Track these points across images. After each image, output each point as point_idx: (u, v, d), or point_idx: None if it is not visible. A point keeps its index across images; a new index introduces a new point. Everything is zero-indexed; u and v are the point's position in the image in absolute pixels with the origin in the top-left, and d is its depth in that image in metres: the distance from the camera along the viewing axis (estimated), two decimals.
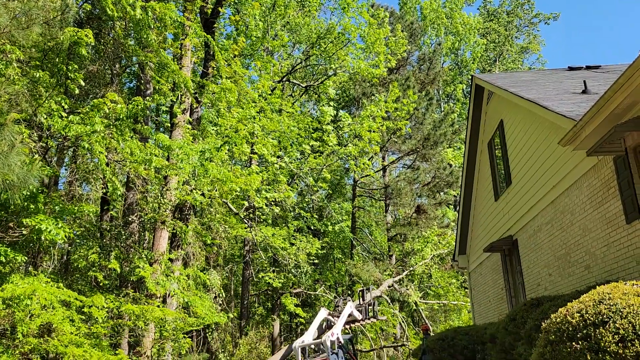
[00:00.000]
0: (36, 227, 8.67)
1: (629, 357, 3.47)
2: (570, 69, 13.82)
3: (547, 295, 7.58)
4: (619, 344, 3.55)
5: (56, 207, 10.27)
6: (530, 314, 6.83)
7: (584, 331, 3.77)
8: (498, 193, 13.08)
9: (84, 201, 16.66)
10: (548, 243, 9.91)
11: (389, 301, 25.20)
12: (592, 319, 3.80)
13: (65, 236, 9.46)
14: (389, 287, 25.00)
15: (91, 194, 18.55)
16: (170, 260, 15.62)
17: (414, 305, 25.13)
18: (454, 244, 18.30)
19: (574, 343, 3.77)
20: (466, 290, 29.23)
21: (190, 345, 17.79)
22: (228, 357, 22.84)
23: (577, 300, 4.22)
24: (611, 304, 3.82)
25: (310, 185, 26.87)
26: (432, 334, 18.49)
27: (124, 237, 13.60)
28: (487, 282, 14.79)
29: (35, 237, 9.45)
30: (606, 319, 3.73)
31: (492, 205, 13.75)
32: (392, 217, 31.27)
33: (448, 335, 9.71)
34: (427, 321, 25.60)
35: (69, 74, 11.33)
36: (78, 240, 14.73)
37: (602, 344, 3.60)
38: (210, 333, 24.68)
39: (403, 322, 24.71)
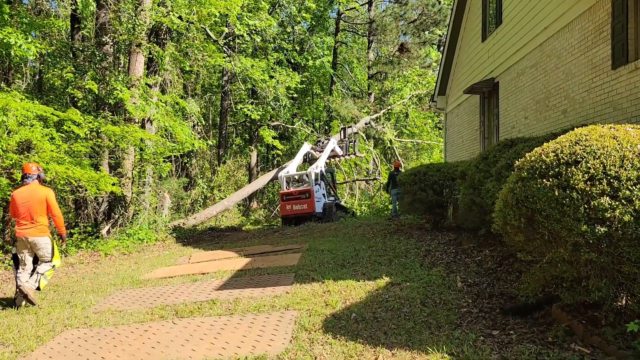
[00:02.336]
0: (4, 40, 8.21)
1: (594, 194, 3.66)
2: None
3: (521, 137, 7.78)
4: (587, 182, 3.73)
5: (24, 20, 9.65)
6: (503, 153, 7.06)
7: (556, 169, 3.92)
8: (486, 33, 12.71)
9: (51, 17, 15.69)
10: (529, 87, 9.92)
11: (365, 138, 25.77)
12: (565, 158, 3.92)
13: (37, 52, 9.04)
14: (365, 124, 25.39)
15: (60, 10, 17.42)
16: (148, 85, 15.31)
17: (389, 142, 25.78)
18: (435, 84, 18.23)
19: (544, 180, 3.94)
20: (440, 130, 29.93)
21: (171, 170, 18.32)
22: (207, 183, 23.71)
23: (553, 140, 4.33)
24: (587, 144, 3.93)
25: (293, 15, 25.65)
26: (402, 170, 19.27)
27: (98, 58, 13.07)
28: (463, 123, 15.07)
29: (4, 53, 9.01)
30: (579, 159, 3.87)
31: (478, 46, 13.44)
32: (374, 54, 30.59)
33: (420, 171, 10.10)
34: (399, 158, 26.54)
35: None
36: (50, 60, 14.15)
37: (572, 182, 3.77)
38: (189, 160, 25.29)
39: (376, 158, 25.56)
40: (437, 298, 5.48)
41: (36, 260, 7.23)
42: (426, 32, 27.00)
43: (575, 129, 4.48)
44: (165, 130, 13.77)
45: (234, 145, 33.37)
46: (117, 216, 14.47)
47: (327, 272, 7.16)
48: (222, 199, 21.77)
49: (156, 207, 16.63)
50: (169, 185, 19.35)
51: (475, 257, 7.19)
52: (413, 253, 8.08)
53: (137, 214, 15.02)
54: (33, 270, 7.14)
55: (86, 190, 11.38)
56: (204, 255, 10.51)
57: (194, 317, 5.70)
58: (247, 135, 33.26)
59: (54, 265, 7.32)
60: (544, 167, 4.01)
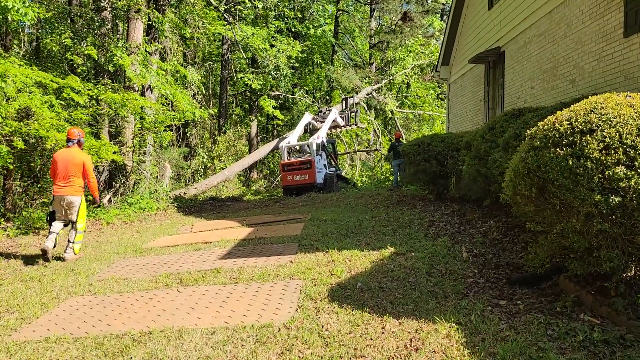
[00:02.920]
0: (2, 3, 7.98)
1: (609, 164, 3.59)
2: None
3: (528, 107, 7.66)
4: (603, 151, 3.64)
5: None
6: (511, 123, 6.96)
7: (570, 138, 3.83)
8: (493, 1, 12.45)
9: None
10: (537, 56, 9.75)
11: (366, 108, 25.55)
12: (580, 127, 3.83)
13: (35, 17, 8.81)
14: (367, 94, 25.14)
15: None
16: (148, 53, 15.07)
17: (390, 113, 25.58)
18: (438, 54, 17.97)
19: (557, 149, 3.85)
20: (442, 101, 29.70)
21: (172, 139, 18.18)
22: (207, 153, 23.60)
23: (567, 109, 4.23)
24: (602, 113, 3.84)
25: None
26: (404, 141, 19.16)
27: (97, 24, 12.78)
28: (467, 93, 14.89)
29: (1, 17, 8.80)
30: (594, 127, 3.78)
31: (484, 14, 13.18)
32: (376, 23, 30.10)
33: (424, 141, 10.00)
34: (400, 129, 26.37)
35: None
36: (47, 25, 13.85)
37: (586, 151, 3.69)
38: (189, 129, 25.12)
39: (377, 129, 25.40)
40: (443, 268, 5.46)
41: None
42: (429, 0, 26.48)
43: (589, 97, 4.37)
44: (166, 98, 13.56)
45: (233, 116, 33.11)
46: (118, 185, 14.42)
47: (330, 242, 7.13)
48: (223, 169, 21.69)
49: (157, 176, 16.57)
50: (170, 155, 19.25)
51: (480, 228, 7.16)
52: (417, 223, 8.05)
53: (138, 183, 14.97)
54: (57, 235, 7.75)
55: None
56: (207, 225, 10.49)
57: (198, 285, 5.69)
58: (246, 105, 32.97)
59: (83, 231, 7.97)
60: (557, 135, 3.93)
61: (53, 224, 7.73)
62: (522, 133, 6.00)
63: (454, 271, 5.32)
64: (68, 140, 7.94)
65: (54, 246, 7.69)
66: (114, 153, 11.38)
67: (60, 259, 7.74)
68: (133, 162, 13.68)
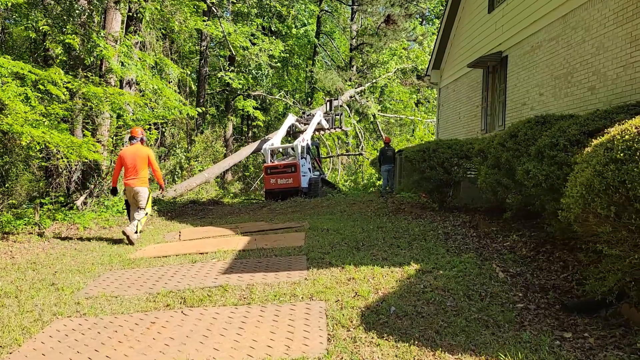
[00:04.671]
0: None
1: None
2: None
3: (551, 114, 7.21)
4: None
5: None
6: (538, 131, 6.50)
7: None
8: (494, 3, 12.08)
9: None
10: (547, 61, 9.38)
11: (349, 112, 25.06)
12: None
13: (6, 2, 7.94)
14: (350, 97, 24.65)
15: None
16: (127, 46, 14.16)
17: (372, 117, 25.14)
18: (429, 58, 17.61)
19: None
20: (424, 106, 29.48)
21: (157, 138, 17.21)
22: (184, 153, 22.67)
23: None
24: None
25: None
26: (393, 146, 18.71)
27: (77, 11, 11.82)
28: (461, 98, 14.52)
29: None
30: None
31: (483, 17, 12.81)
32: (357, 26, 29.63)
33: (430, 147, 9.49)
34: (382, 133, 25.97)
35: None
36: (16, 14, 12.79)
37: None
38: (167, 128, 24.09)
39: (360, 133, 24.92)
40: (481, 290, 4.93)
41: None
42: (413, 3, 26.15)
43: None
44: (155, 91, 12.61)
45: (207, 115, 32.08)
46: (92, 186, 13.47)
47: (342, 256, 6.54)
48: (201, 170, 20.85)
49: None
50: None
51: (503, 243, 6.67)
52: (431, 235, 7.52)
53: None
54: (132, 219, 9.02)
55: (64, 157, 10.36)
56: (195, 232, 9.76)
57: (205, 306, 5.02)
58: (222, 105, 31.97)
59: (147, 213, 9.13)
60: None
61: (130, 212, 9.16)
62: (560, 142, 5.55)
63: (496, 294, 4.79)
64: (132, 138, 9.30)
65: (137, 232, 8.84)
66: (96, 152, 10.49)
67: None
68: (111, 162, 12.74)
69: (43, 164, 12.50)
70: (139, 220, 8.85)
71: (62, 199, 13.23)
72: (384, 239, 7.51)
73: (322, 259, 6.45)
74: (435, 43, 16.45)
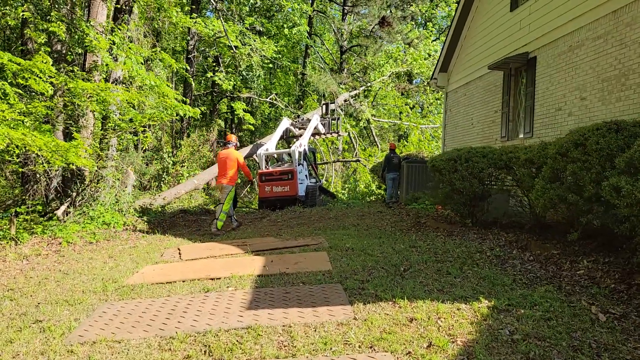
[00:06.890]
0: None
1: None
2: None
3: (621, 120, 6.27)
4: None
5: None
6: (616, 139, 5.56)
7: None
8: (518, 1, 11.23)
9: None
10: (591, 62, 8.51)
11: (343, 116, 24.06)
12: None
13: None
14: (344, 101, 23.67)
15: None
16: (112, 42, 12.92)
17: (366, 122, 24.19)
18: (437, 61, 16.74)
19: None
20: (418, 111, 28.65)
21: (129, 142, 15.92)
22: (170, 157, 21.38)
23: None
24: None
25: None
26: (399, 152, 17.74)
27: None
28: (474, 103, 13.64)
29: None
30: None
31: (503, 16, 11.96)
32: (350, 27, 28.68)
33: (461, 156, 8.50)
34: (376, 138, 25.06)
35: None
36: None
37: None
38: (155, 131, 22.72)
39: (354, 138, 23.94)
40: (589, 339, 3.93)
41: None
42: (410, 4, 25.25)
43: None
44: (153, 87, 11.34)
45: (191, 118, 30.70)
46: (74, 194, 12.18)
47: (386, 285, 5.50)
48: (189, 176, 19.61)
49: (118, 184, 14.38)
50: (131, 159, 16.98)
51: (575, 271, 5.70)
52: (479, 259, 6.53)
53: (98, 192, 12.76)
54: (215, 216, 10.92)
55: (46, 162, 9.11)
56: (197, 249, 8.60)
57: (237, 358, 3.92)
58: (204, 107, 30.63)
59: (223, 210, 10.77)
60: None
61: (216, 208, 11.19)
62: None
63: (612, 346, 3.80)
64: (226, 142, 11.36)
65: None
66: (85, 157, 9.23)
67: None
68: (97, 167, 11.47)
69: (20, 169, 11.19)
70: (217, 219, 10.66)
71: (40, 207, 11.91)
72: (425, 262, 6.49)
73: (362, 289, 5.41)
74: (444, 45, 15.58)
